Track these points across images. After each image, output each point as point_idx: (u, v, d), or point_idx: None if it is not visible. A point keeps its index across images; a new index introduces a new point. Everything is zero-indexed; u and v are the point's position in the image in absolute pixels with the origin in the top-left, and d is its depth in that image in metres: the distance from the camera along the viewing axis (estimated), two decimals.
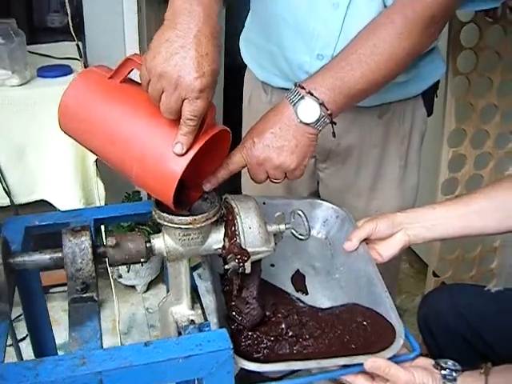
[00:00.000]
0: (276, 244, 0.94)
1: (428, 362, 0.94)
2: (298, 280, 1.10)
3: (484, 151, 1.77)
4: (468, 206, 1.13)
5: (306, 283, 1.10)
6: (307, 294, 1.07)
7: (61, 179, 1.80)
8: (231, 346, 0.78)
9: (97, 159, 1.80)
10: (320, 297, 1.07)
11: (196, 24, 0.80)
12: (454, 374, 0.91)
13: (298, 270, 1.13)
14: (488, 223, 1.12)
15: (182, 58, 0.79)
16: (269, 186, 1.05)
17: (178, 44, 0.79)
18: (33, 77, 1.80)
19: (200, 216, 0.87)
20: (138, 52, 2.07)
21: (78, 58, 1.93)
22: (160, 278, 2.36)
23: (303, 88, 0.98)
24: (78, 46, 1.94)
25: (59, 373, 0.74)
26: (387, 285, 1.05)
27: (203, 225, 0.88)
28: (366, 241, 1.11)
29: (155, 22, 2.36)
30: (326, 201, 1.21)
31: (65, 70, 1.84)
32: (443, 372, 0.91)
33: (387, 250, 1.11)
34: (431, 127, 1.42)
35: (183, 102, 0.80)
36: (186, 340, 0.79)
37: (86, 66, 1.93)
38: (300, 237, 1.03)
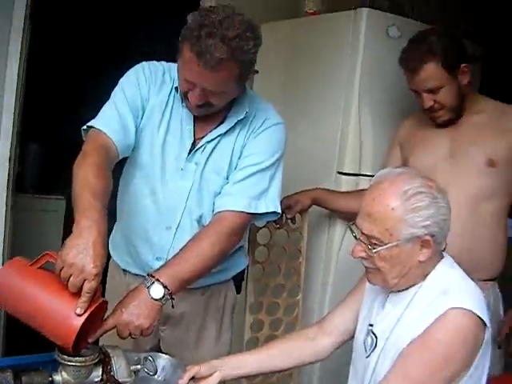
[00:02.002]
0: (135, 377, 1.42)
1: None
2: None
3: (277, 317, 2.31)
4: (260, 354, 1.69)
5: None
6: None
7: None
8: None
9: None
10: None
11: (93, 236, 1.29)
12: None
13: None
14: (274, 363, 1.68)
15: (85, 255, 1.26)
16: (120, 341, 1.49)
17: (83, 247, 1.27)
18: None
19: (88, 357, 1.33)
20: None
21: None
22: None
23: (153, 277, 1.51)
24: None
25: None
26: None
27: (90, 363, 1.33)
28: (194, 379, 1.57)
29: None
30: (164, 353, 1.67)
31: None
32: None
33: None
34: (240, 299, 2.00)
35: (84, 281, 1.27)
36: None
37: None
38: (150, 373, 1.51)
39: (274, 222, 2.20)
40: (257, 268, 2.26)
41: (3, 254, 2.48)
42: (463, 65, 1.97)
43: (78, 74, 4.35)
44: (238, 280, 1.96)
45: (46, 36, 3.59)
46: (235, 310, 1.98)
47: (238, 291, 1.97)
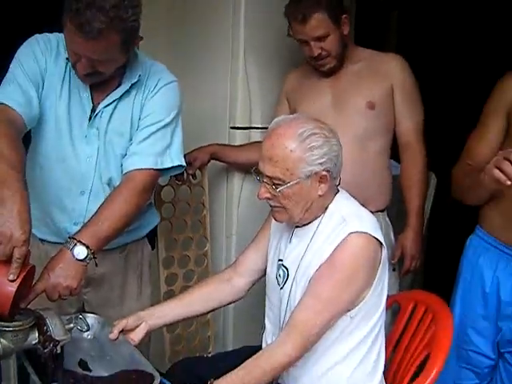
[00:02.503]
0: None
1: None
2: (82, 364, 1.59)
3: (189, 269, 2.45)
4: (182, 301, 1.82)
5: (89, 365, 1.59)
6: (91, 371, 1.56)
7: None
8: None
9: None
10: (100, 371, 1.56)
11: (17, 204, 1.33)
12: None
13: (81, 358, 1.59)
14: (195, 308, 1.82)
15: (11, 223, 1.31)
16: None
17: (8, 216, 1.31)
18: None
19: (25, 321, 1.39)
20: None
21: None
22: None
23: (74, 239, 1.58)
24: None
25: None
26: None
27: (27, 327, 1.39)
28: (123, 332, 1.66)
29: None
30: (92, 313, 1.74)
31: None
32: None
33: (137, 335, 1.68)
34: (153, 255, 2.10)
35: (13, 249, 1.32)
36: None
37: None
38: (83, 330, 1.60)
39: (176, 178, 2.32)
40: (165, 224, 2.37)
41: None
42: (344, 16, 2.16)
43: None
44: (152, 237, 2.07)
45: None
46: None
47: (153, 247, 2.07)
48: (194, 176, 2.41)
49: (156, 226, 2.07)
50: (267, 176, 1.59)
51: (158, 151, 1.77)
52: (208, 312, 1.92)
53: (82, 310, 1.94)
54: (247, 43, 2.51)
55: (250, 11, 2.50)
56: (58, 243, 1.79)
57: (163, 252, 2.37)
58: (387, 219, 2.32)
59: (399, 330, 1.93)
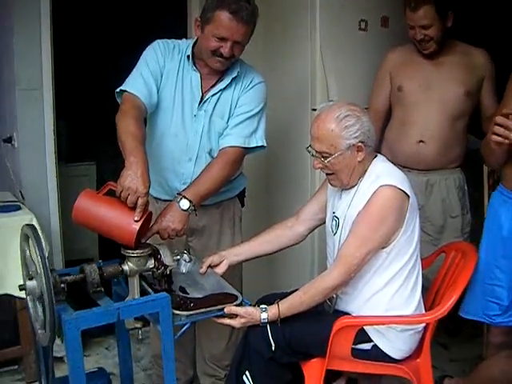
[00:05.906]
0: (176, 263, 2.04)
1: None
2: (182, 289, 2.05)
3: None
4: (254, 243, 2.29)
5: (187, 290, 2.05)
6: (188, 294, 2.02)
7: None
8: (169, 296, 1.83)
9: None
10: (195, 294, 2.01)
11: (140, 167, 1.86)
12: (265, 306, 1.97)
13: (180, 285, 2.06)
14: (264, 248, 2.29)
15: (137, 180, 1.83)
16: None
17: (134, 175, 1.84)
18: None
19: (146, 249, 1.92)
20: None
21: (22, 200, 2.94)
22: None
23: (180, 194, 2.11)
24: (20, 192, 2.93)
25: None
26: (236, 279, 2.24)
27: (147, 254, 1.93)
28: (210, 267, 2.17)
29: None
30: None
31: (15, 207, 2.79)
32: (261, 306, 1.97)
33: (220, 269, 2.18)
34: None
35: (138, 198, 1.85)
36: (151, 296, 1.87)
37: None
38: (186, 261, 2.12)
39: None
40: None
41: (58, 211, 3.12)
42: (450, 12, 2.64)
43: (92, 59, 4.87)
44: (241, 196, 2.56)
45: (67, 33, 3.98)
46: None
47: (243, 205, 2.57)
48: None
49: (244, 188, 2.55)
50: (317, 151, 2.04)
51: (247, 134, 2.28)
52: (274, 252, 2.34)
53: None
54: (322, 39, 2.95)
55: (323, 14, 2.94)
56: (167, 200, 2.30)
57: None
58: (462, 173, 2.91)
59: (444, 271, 2.34)
